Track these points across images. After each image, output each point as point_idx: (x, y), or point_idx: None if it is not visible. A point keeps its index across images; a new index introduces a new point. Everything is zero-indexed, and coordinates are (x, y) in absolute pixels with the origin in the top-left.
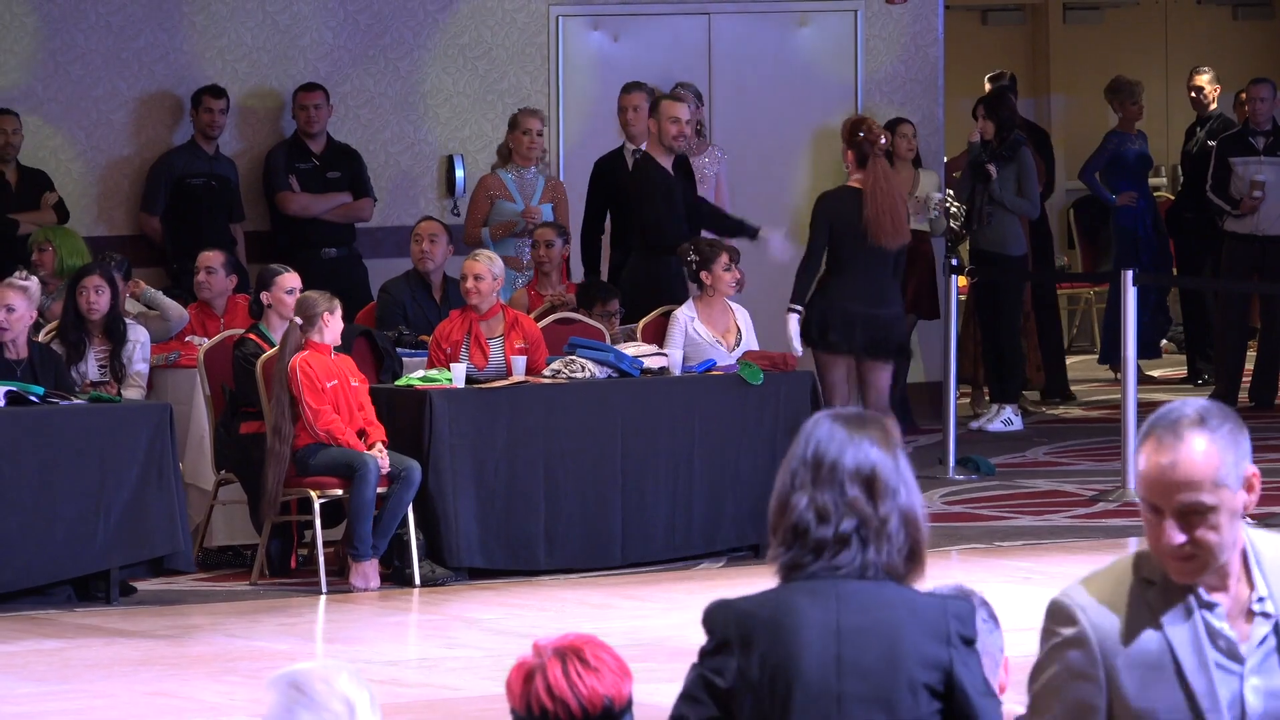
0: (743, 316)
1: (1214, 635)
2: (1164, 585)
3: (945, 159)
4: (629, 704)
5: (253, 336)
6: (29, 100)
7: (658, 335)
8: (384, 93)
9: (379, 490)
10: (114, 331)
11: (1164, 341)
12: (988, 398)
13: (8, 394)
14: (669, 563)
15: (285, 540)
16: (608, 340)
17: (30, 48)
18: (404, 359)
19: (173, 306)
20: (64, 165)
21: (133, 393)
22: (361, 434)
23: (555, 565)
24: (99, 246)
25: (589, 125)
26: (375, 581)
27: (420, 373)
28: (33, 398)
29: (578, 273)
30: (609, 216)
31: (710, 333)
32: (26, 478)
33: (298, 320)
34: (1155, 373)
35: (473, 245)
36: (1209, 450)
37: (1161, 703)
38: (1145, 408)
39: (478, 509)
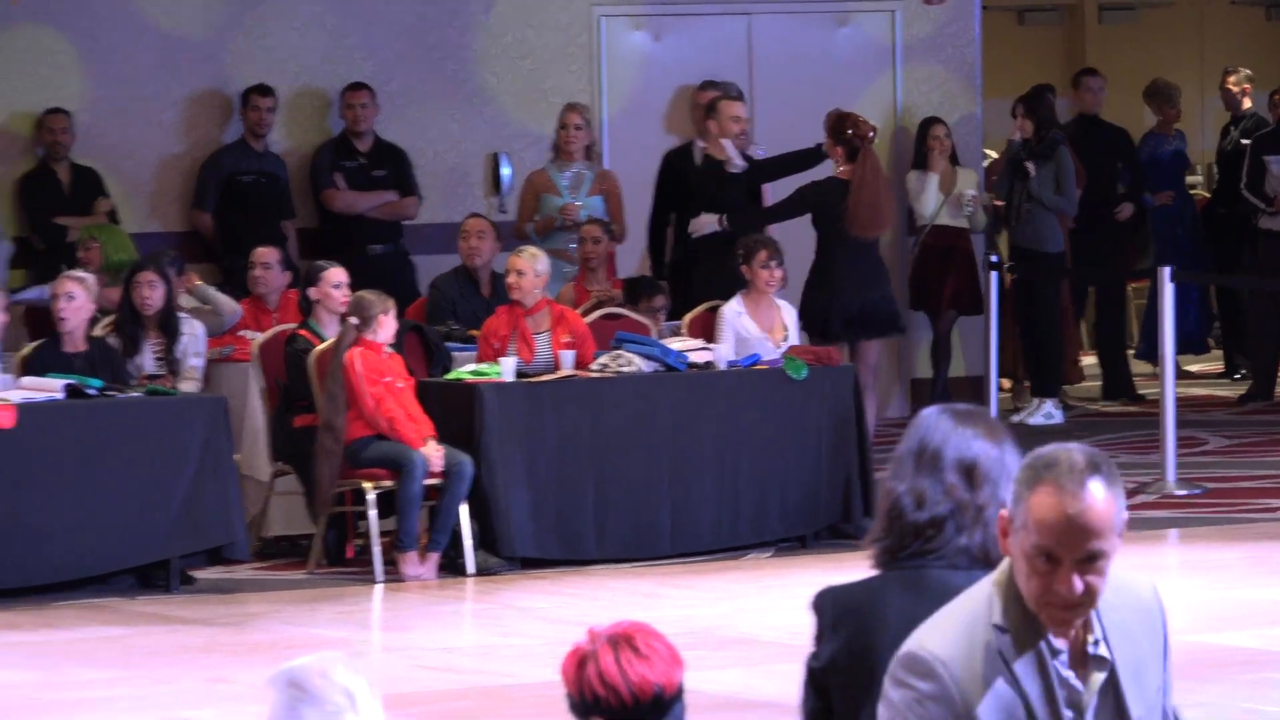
0: (789, 313)
1: (1062, 683)
2: (1016, 633)
3: (991, 158)
4: (680, 692)
5: (304, 332)
6: (81, 99)
7: (703, 330)
8: (430, 92)
9: (433, 483)
10: (169, 326)
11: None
12: (1029, 392)
13: (67, 387)
14: (716, 553)
15: (341, 530)
16: (654, 335)
17: (82, 47)
18: (453, 353)
19: (225, 302)
20: (116, 163)
21: (188, 386)
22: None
23: (605, 555)
24: (152, 243)
25: (632, 123)
26: (426, 572)
27: (470, 367)
28: (91, 390)
29: (624, 268)
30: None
31: (757, 327)
32: (87, 469)
33: (354, 320)
34: (1193, 368)
35: (520, 240)
36: (1108, 497)
37: None
38: (1184, 403)
39: (529, 500)
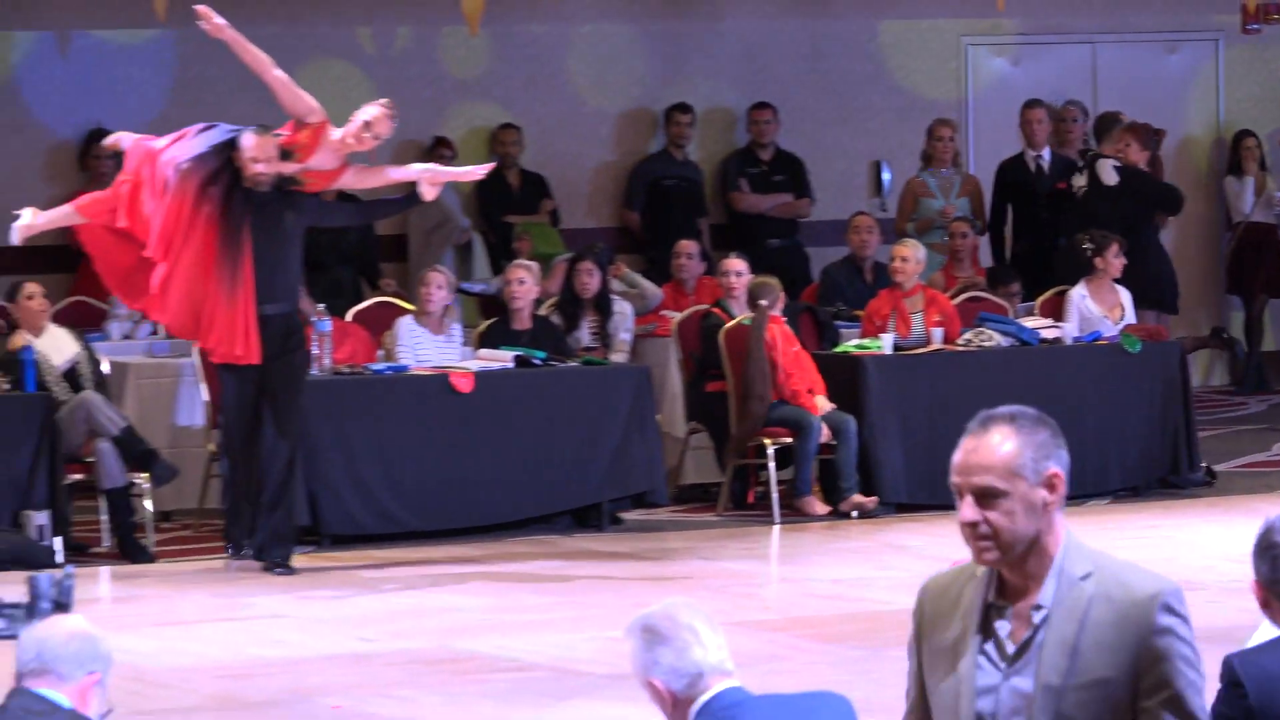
0: (1125, 296)
1: (991, 633)
2: (978, 584)
3: None
4: None
5: (716, 310)
6: (530, 115)
7: (1052, 311)
8: (822, 109)
9: (827, 441)
10: (603, 306)
11: None
12: None
13: (516, 358)
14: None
15: (744, 479)
16: (1011, 315)
17: (528, 72)
18: (841, 330)
19: (649, 287)
20: (559, 170)
21: (618, 357)
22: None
23: None
24: (588, 237)
25: (995, 135)
26: (821, 513)
27: (855, 341)
28: (536, 361)
29: (985, 258)
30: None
31: (1099, 309)
32: (533, 427)
33: (764, 302)
34: None
35: (900, 235)
36: (1008, 441)
37: (942, 682)
38: None
39: (903, 454)
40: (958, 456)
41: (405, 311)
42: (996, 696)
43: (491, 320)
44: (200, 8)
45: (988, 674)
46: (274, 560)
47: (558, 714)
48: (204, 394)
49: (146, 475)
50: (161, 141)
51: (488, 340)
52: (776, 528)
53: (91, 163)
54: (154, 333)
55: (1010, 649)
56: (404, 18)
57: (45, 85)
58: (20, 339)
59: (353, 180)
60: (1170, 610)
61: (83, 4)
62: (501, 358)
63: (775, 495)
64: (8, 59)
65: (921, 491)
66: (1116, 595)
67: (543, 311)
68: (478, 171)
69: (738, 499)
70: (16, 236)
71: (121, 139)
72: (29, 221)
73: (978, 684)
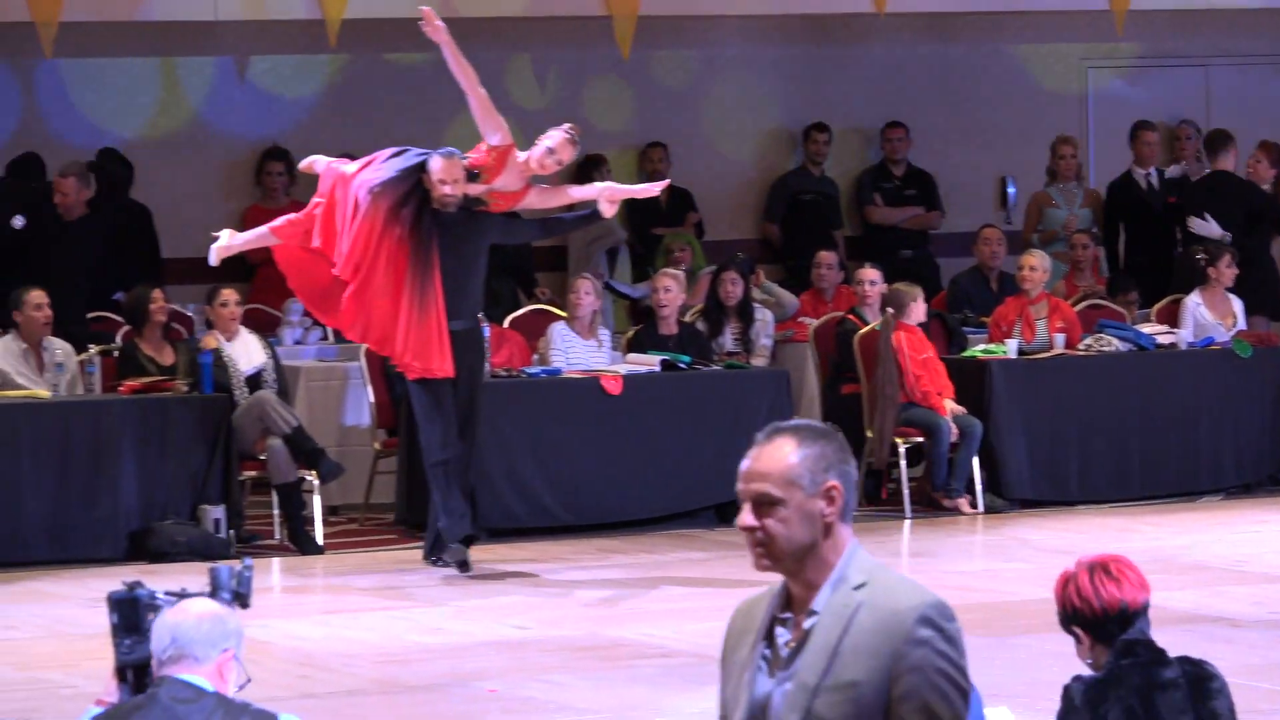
0: (1238, 304)
1: (771, 643)
2: (774, 597)
3: None
4: (1143, 609)
5: (851, 317)
6: (678, 135)
7: (1168, 318)
8: (952, 127)
9: (953, 441)
10: (745, 314)
11: None
12: None
13: (663, 362)
14: (1178, 496)
15: (877, 476)
16: (1129, 321)
17: (675, 93)
18: (969, 335)
19: (786, 295)
20: (705, 185)
21: (759, 361)
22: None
23: (1086, 497)
24: (731, 248)
25: (1114, 151)
26: (965, 506)
27: (982, 346)
28: (681, 364)
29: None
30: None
31: (1212, 316)
32: (678, 426)
33: (890, 311)
34: None
35: (1026, 246)
36: (787, 452)
37: (729, 695)
38: None
39: (1027, 452)
40: (743, 464)
41: (558, 318)
42: (769, 702)
43: (639, 326)
44: (425, 9)
45: (763, 682)
46: (437, 554)
47: (701, 698)
48: (370, 396)
49: (315, 472)
50: (353, 166)
51: (636, 345)
52: (908, 522)
53: (266, 179)
54: (324, 338)
55: (784, 655)
56: (558, 47)
57: (224, 107)
58: (212, 340)
59: (535, 200)
60: (928, 622)
61: (259, 32)
62: (649, 361)
63: (906, 491)
64: (191, 83)
65: (1044, 488)
66: (881, 604)
67: (688, 318)
68: (654, 188)
69: (871, 495)
70: (214, 258)
71: (315, 162)
72: (226, 243)
73: (755, 692)
